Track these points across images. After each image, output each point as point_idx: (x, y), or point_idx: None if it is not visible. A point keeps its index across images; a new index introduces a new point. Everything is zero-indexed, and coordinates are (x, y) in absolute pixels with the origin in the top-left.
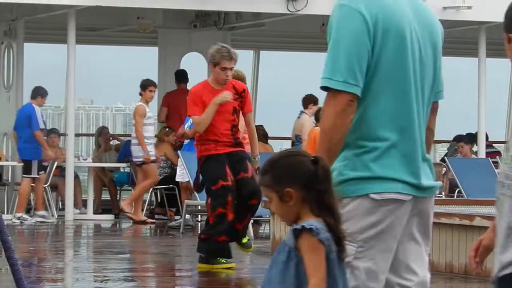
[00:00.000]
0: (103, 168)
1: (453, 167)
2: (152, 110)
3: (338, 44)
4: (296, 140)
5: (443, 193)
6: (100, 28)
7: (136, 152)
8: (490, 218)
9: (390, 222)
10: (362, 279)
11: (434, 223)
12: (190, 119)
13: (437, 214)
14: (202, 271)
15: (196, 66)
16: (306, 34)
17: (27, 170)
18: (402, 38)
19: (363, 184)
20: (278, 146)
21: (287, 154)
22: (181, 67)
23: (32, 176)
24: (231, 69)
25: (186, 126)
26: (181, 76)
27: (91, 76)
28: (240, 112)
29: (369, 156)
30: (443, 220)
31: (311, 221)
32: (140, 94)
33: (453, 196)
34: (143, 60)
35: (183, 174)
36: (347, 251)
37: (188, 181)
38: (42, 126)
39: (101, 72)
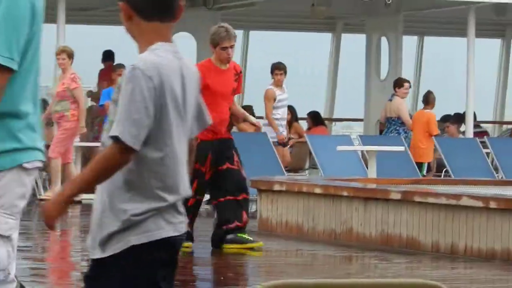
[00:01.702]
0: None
1: (440, 147)
2: None
3: (9, 20)
4: (388, 122)
5: (430, 172)
6: (90, 8)
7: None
8: (477, 197)
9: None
10: (13, 248)
11: (420, 202)
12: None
13: (424, 194)
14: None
15: (185, 46)
16: (294, 13)
17: None
18: (40, 22)
19: (14, 155)
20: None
21: None
22: None
23: None
24: (231, 47)
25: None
26: (109, 55)
27: (81, 56)
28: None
29: (15, 127)
30: (430, 200)
31: None
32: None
33: (440, 176)
34: (133, 41)
35: None
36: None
37: None
38: None
39: (92, 52)
